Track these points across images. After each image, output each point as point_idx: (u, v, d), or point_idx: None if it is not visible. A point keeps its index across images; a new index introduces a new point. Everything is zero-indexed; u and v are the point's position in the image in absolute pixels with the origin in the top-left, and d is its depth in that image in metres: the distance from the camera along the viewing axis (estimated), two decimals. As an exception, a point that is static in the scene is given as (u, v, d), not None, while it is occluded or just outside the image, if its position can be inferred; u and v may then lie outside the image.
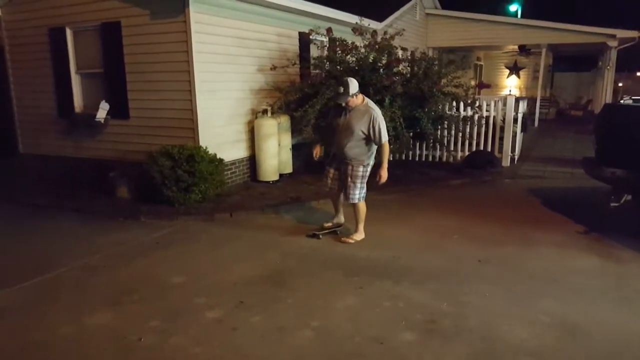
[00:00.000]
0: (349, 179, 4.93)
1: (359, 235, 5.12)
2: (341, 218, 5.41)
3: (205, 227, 5.67)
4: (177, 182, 6.08)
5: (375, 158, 5.03)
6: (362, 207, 5.06)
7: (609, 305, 3.71)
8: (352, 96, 4.71)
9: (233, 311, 3.63)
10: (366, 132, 4.76)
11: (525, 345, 3.14)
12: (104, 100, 7.19)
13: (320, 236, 5.15)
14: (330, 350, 3.12)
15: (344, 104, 4.78)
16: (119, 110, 7.13)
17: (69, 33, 7.47)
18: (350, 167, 4.90)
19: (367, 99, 4.92)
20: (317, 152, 5.37)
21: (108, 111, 7.19)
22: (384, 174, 4.88)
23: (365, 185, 5.02)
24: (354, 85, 4.71)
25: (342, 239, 5.11)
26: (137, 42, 6.80)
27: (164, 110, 6.78)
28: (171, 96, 6.69)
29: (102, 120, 7.19)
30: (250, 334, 3.33)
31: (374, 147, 4.92)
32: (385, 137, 4.80)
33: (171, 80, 6.64)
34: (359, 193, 4.97)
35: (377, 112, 4.81)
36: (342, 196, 5.21)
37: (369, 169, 5.00)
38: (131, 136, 7.10)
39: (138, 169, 6.40)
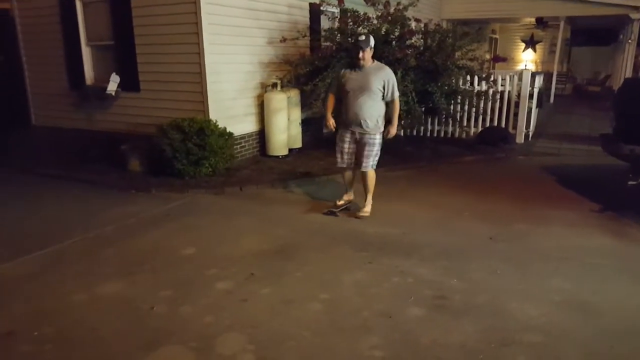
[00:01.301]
0: (367, 147, 4.90)
1: (369, 206, 5.12)
2: (351, 194, 5.34)
3: (216, 201, 5.69)
4: (187, 155, 6.08)
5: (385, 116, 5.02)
6: (374, 174, 5.07)
7: (622, 285, 3.66)
8: (370, 48, 4.73)
9: (243, 283, 3.67)
10: (381, 87, 4.78)
11: (535, 323, 3.13)
12: (114, 73, 7.16)
13: (338, 214, 5.12)
14: (338, 323, 3.15)
15: (360, 61, 4.71)
16: (130, 82, 7.10)
17: (78, 4, 7.40)
18: (368, 136, 4.87)
19: (375, 60, 4.93)
20: (332, 122, 5.10)
21: (119, 84, 7.17)
22: (394, 130, 4.94)
23: (379, 152, 5.02)
24: (373, 40, 4.82)
25: (357, 214, 5.08)
26: (146, 13, 6.70)
27: (174, 83, 6.73)
28: (181, 69, 6.63)
29: (113, 93, 7.17)
30: (260, 305, 3.36)
31: (384, 110, 4.92)
32: (397, 93, 4.89)
33: (181, 53, 6.56)
34: (373, 160, 4.99)
35: (388, 69, 4.89)
36: (352, 171, 5.18)
37: (382, 135, 5.00)
38: (142, 109, 7.09)
39: (149, 142, 6.41)
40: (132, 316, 3.24)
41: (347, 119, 4.92)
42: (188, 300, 3.42)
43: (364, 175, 5.06)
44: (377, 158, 5.01)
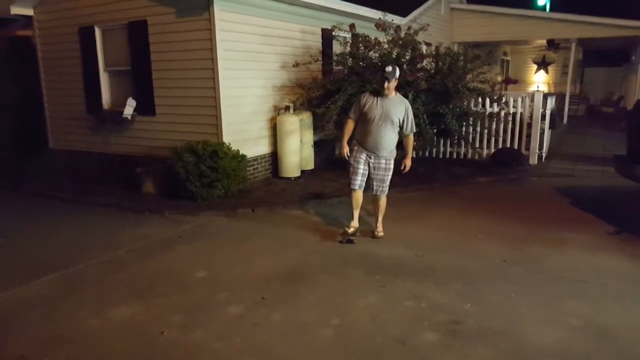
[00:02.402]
0: (384, 173, 4.95)
1: (381, 226, 5.17)
2: (357, 221, 5.15)
3: (228, 223, 5.72)
4: (200, 177, 6.15)
5: (398, 148, 5.06)
6: (386, 198, 5.11)
7: (641, 308, 3.58)
8: (395, 79, 4.79)
9: (254, 307, 3.65)
10: (401, 120, 4.84)
11: (552, 349, 3.06)
12: (130, 97, 7.32)
13: (354, 240, 4.99)
14: (350, 349, 3.11)
15: (385, 90, 4.74)
16: (146, 106, 7.25)
17: (97, 32, 7.64)
18: (385, 161, 4.93)
19: (397, 92, 4.98)
20: (347, 151, 5.06)
21: (135, 108, 7.32)
22: (409, 163, 4.99)
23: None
24: (398, 70, 4.86)
25: (375, 234, 5.10)
26: (163, 40, 6.89)
27: (189, 107, 6.86)
28: (196, 93, 6.77)
29: (129, 117, 7.32)
30: (271, 330, 3.34)
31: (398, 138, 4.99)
32: (414, 127, 4.99)
33: (196, 78, 6.71)
34: (388, 185, 5.03)
35: (408, 102, 4.97)
36: (362, 194, 5.13)
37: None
38: (157, 132, 7.21)
39: (163, 165, 6.51)
40: (143, 341, 3.24)
41: (365, 144, 4.91)
42: (199, 325, 3.41)
43: (376, 199, 5.08)
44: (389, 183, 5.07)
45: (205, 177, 6.16)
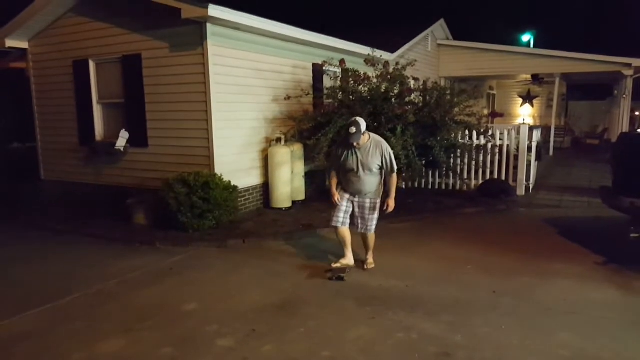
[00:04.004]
0: (369, 212, 4.97)
1: (372, 257, 5.17)
2: (351, 259, 5.17)
3: (218, 254, 5.70)
4: (192, 208, 6.16)
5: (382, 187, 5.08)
6: (374, 234, 5.12)
7: (630, 339, 3.60)
8: (364, 134, 4.77)
9: (244, 340, 3.62)
10: (380, 164, 4.84)
11: (542, 380, 3.06)
12: (123, 129, 7.39)
13: (345, 278, 4.88)
14: (342, 381, 3.08)
15: (355, 144, 4.76)
16: (138, 138, 7.32)
17: (91, 65, 7.77)
18: (369, 200, 4.96)
19: (369, 133, 4.92)
20: (338, 198, 5.03)
21: (127, 140, 7.38)
22: (392, 204, 4.95)
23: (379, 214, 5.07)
24: (364, 124, 4.77)
25: (367, 266, 5.09)
26: (156, 73, 7.03)
27: (182, 139, 6.94)
28: (189, 125, 6.86)
29: (122, 149, 7.37)
30: (262, 363, 3.31)
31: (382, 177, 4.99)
32: (395, 167, 4.91)
33: (189, 110, 6.81)
34: (376, 223, 5.03)
35: (384, 143, 4.91)
36: (349, 231, 5.12)
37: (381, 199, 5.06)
38: (149, 164, 7.26)
39: (155, 196, 6.52)
40: (132, 374, 3.19)
41: (348, 189, 4.99)
42: (188, 359, 3.37)
43: (364, 236, 5.11)
44: (377, 220, 5.06)
45: (196, 208, 6.17)
